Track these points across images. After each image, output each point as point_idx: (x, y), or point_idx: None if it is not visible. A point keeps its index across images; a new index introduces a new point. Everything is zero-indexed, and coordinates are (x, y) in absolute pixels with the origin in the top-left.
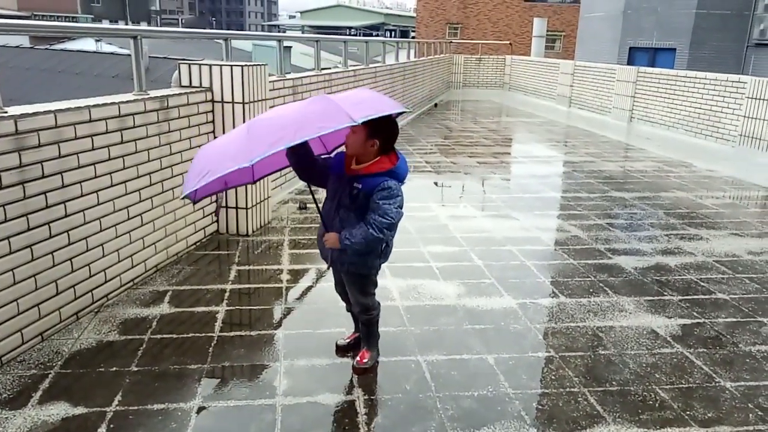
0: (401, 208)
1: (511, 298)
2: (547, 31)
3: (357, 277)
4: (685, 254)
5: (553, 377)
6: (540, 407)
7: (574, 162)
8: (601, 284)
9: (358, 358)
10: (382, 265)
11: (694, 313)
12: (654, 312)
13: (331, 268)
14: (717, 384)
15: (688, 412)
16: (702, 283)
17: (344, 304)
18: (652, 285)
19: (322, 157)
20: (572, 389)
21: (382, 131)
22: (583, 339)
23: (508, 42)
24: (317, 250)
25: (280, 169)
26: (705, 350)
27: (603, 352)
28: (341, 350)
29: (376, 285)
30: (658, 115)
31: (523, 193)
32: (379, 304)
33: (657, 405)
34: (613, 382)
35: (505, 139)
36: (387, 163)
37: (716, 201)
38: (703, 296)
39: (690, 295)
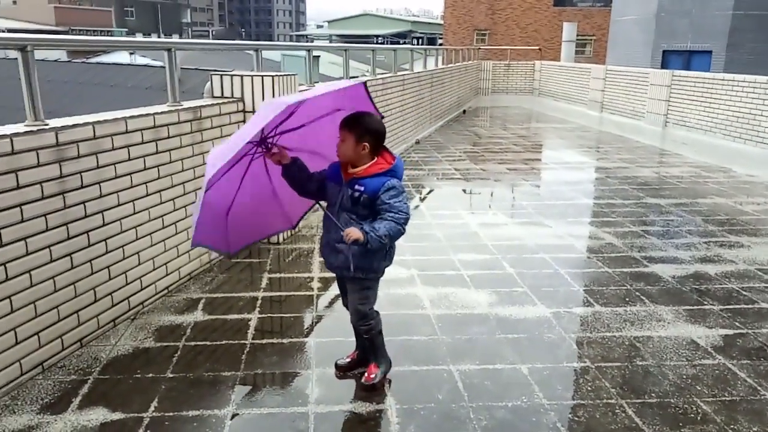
0: (407, 204)
1: (545, 307)
2: (578, 35)
3: (362, 282)
4: (726, 262)
5: (589, 388)
6: (576, 419)
7: (607, 168)
8: (637, 293)
9: (366, 374)
10: (414, 274)
11: (737, 323)
12: (694, 322)
13: (337, 282)
14: (762, 397)
15: (731, 426)
16: (744, 292)
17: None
18: (692, 294)
19: (318, 171)
20: (609, 400)
21: (369, 133)
22: (619, 349)
23: (537, 47)
24: None
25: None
26: (749, 362)
27: (641, 363)
28: (341, 369)
29: (376, 292)
30: (695, 119)
31: (555, 200)
32: (377, 313)
33: (699, 418)
34: (652, 394)
35: (536, 145)
36: (384, 163)
37: (757, 207)
38: (745, 305)
39: (731, 304)
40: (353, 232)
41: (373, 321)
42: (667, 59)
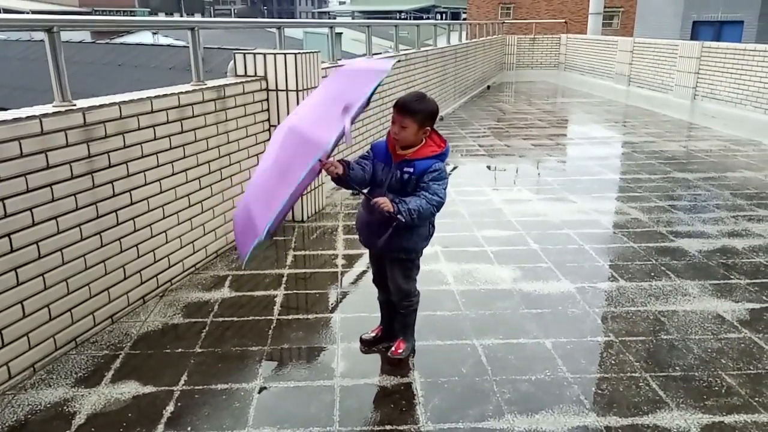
0: (446, 190)
1: (569, 282)
2: (605, 7)
3: (402, 262)
4: (754, 236)
5: (613, 362)
6: (599, 392)
7: (633, 142)
8: (663, 268)
9: (393, 348)
10: (437, 251)
11: (764, 297)
12: (720, 296)
13: (370, 260)
14: None
15: (756, 399)
16: None
17: (376, 293)
18: (718, 268)
19: (363, 156)
20: (633, 374)
21: (431, 117)
22: (644, 323)
23: (563, 20)
24: None
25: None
26: None
27: (665, 337)
28: (366, 344)
29: (419, 269)
30: (725, 92)
31: (581, 175)
32: (419, 292)
33: (723, 391)
34: (677, 367)
35: (561, 120)
36: (434, 146)
37: None
38: None
39: (759, 278)
40: (384, 200)
41: (415, 299)
42: (697, 30)
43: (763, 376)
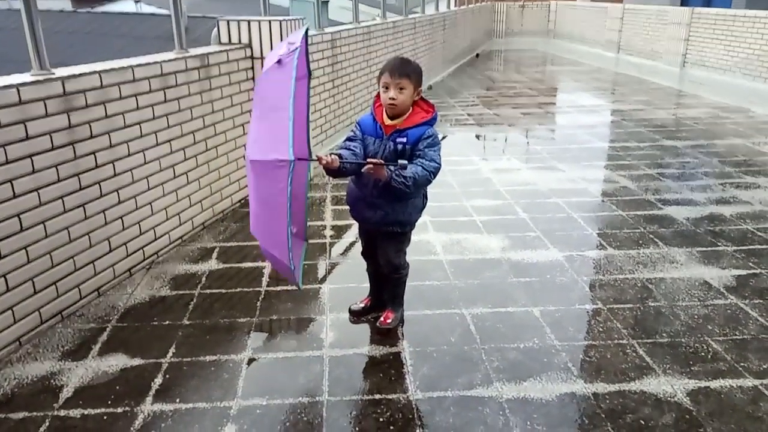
0: (440, 155)
1: (557, 250)
2: None
3: (397, 235)
4: (741, 203)
5: (600, 329)
6: (587, 359)
7: (622, 110)
8: (651, 235)
9: (381, 318)
10: (426, 221)
11: (750, 264)
12: (707, 263)
13: (360, 234)
14: None
15: (742, 364)
16: (759, 233)
17: (365, 265)
18: (705, 235)
19: (350, 138)
20: (620, 341)
21: (421, 78)
22: (631, 291)
23: None
24: None
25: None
26: (761, 301)
27: (653, 304)
28: (355, 315)
29: (410, 242)
30: (714, 59)
31: (569, 143)
32: (408, 264)
33: (709, 356)
34: (663, 334)
35: (551, 88)
36: (423, 112)
37: None
38: (759, 246)
39: (746, 245)
40: (379, 167)
41: (405, 271)
42: None
43: (748, 341)
